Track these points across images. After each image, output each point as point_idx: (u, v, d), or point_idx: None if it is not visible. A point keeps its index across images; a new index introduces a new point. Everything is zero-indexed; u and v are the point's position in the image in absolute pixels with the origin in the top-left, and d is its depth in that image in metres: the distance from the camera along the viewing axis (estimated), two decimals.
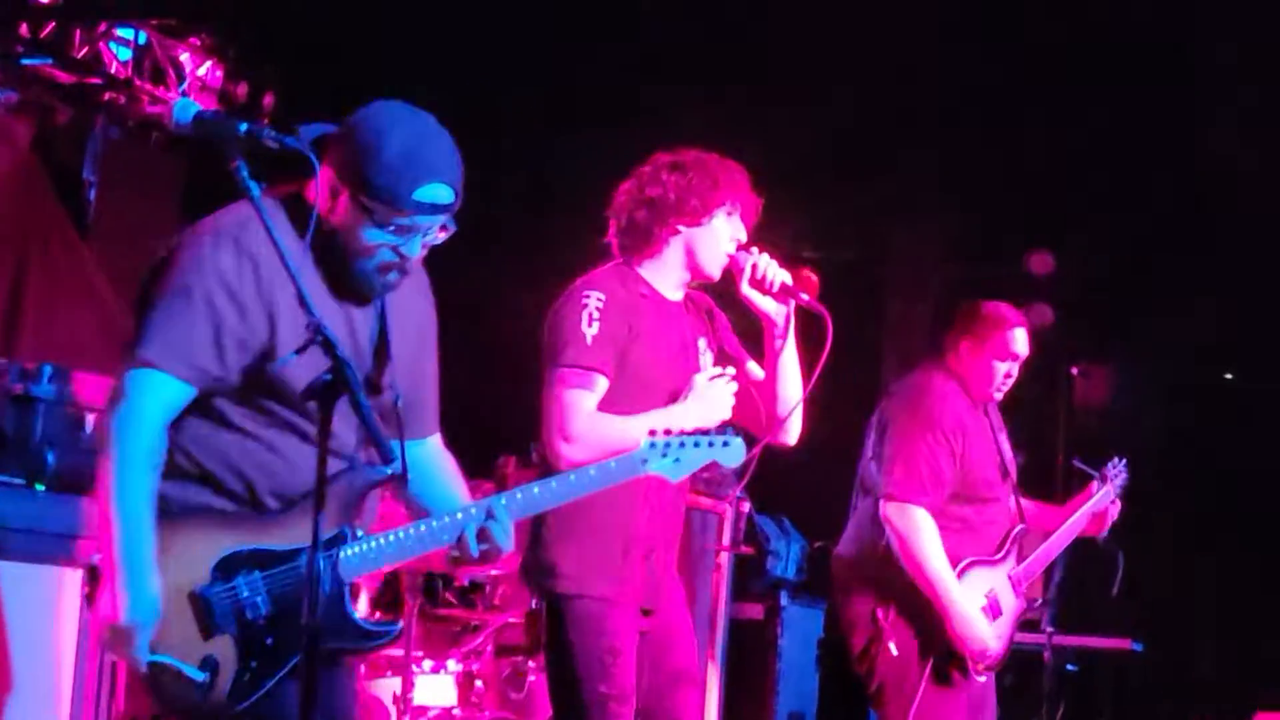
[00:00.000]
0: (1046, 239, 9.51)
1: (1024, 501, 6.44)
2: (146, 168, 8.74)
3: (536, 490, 4.05)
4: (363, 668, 6.64)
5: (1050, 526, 6.55)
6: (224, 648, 3.64)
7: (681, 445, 4.21)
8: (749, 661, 8.38)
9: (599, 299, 4.78)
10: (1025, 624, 6.83)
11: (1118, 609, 8.12)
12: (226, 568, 3.67)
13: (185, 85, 8.83)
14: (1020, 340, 6.27)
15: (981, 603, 6.13)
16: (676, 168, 4.90)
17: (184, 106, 3.64)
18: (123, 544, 3.57)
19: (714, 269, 4.91)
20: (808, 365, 4.93)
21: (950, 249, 10.07)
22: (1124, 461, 6.77)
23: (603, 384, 4.75)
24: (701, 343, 5.01)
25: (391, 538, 3.82)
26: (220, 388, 3.72)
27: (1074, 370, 9.30)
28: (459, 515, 3.90)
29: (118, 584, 3.55)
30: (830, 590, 6.50)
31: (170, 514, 3.66)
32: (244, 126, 3.57)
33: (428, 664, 6.99)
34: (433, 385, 4.13)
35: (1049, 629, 7.64)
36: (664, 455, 4.20)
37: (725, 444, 4.27)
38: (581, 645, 4.78)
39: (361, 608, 3.79)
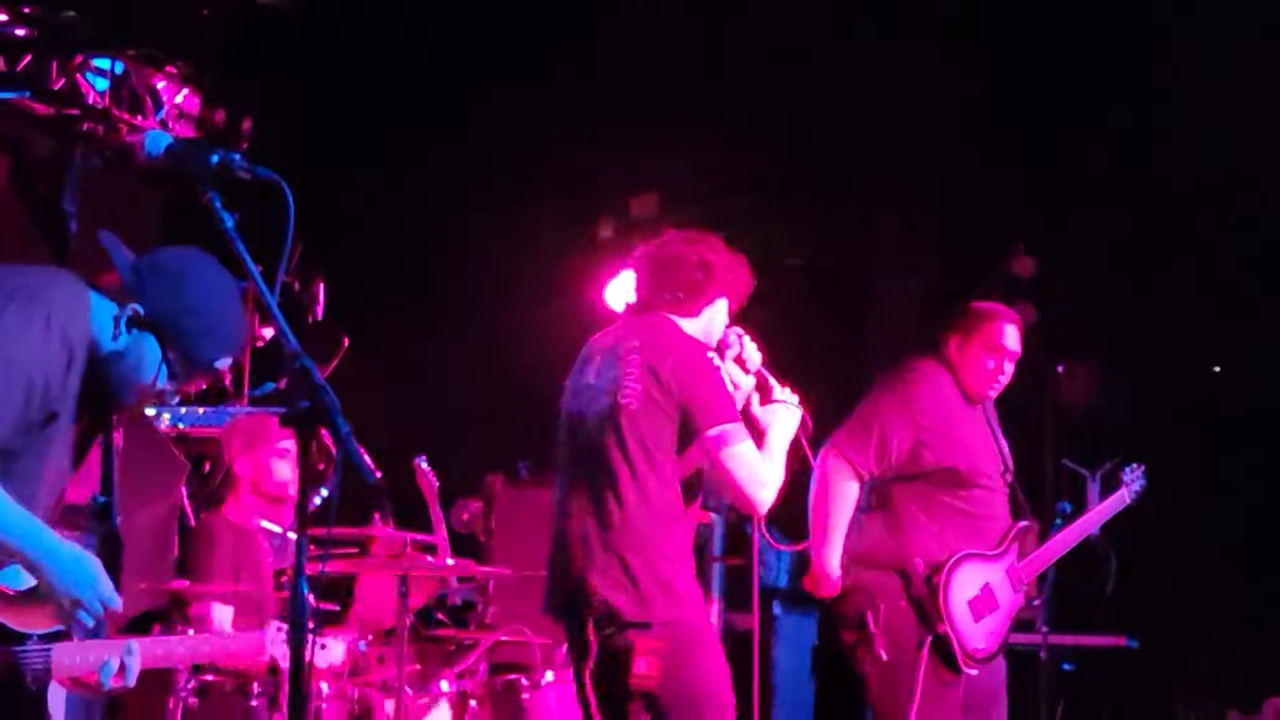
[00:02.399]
0: (1029, 240, 9.52)
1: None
2: (126, 197, 8.72)
3: None
4: (355, 690, 6.64)
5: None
6: None
7: None
8: (742, 672, 8.38)
9: (715, 357, 5.17)
10: (1020, 624, 6.82)
11: (1112, 607, 8.12)
12: None
13: (163, 113, 8.82)
14: (1010, 335, 6.30)
15: (973, 594, 6.12)
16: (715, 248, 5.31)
17: (155, 139, 3.64)
18: (27, 545, 3.63)
19: (715, 339, 5.31)
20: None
21: (933, 252, 10.07)
22: (1141, 468, 6.80)
23: None
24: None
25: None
26: None
27: (1059, 369, 9.31)
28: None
29: (48, 571, 3.63)
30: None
31: None
32: (215, 157, 3.58)
33: (421, 685, 6.98)
34: None
35: (1044, 629, 7.63)
36: None
37: None
38: (711, 665, 4.98)
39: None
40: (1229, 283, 9.30)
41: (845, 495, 6.10)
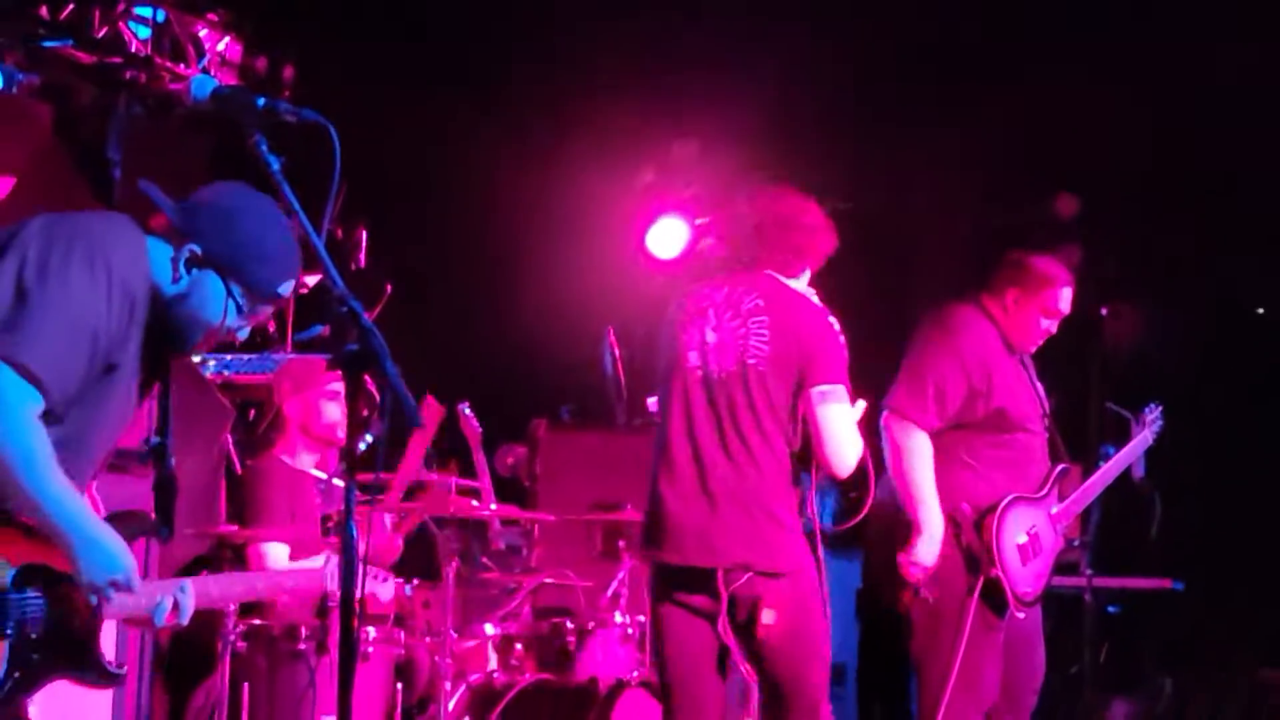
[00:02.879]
0: (1072, 181, 9.46)
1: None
2: (170, 145, 8.73)
3: None
4: (401, 634, 6.68)
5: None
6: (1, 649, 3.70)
7: None
8: None
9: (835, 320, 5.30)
10: (1065, 567, 6.80)
11: (1157, 549, 8.11)
12: (24, 578, 3.72)
13: (205, 61, 8.81)
14: (1066, 299, 6.31)
15: (1022, 540, 6.10)
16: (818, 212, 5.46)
17: (201, 83, 3.66)
18: (72, 529, 3.65)
19: None
20: None
21: (978, 195, 10.02)
22: (1160, 408, 6.79)
23: None
24: None
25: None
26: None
27: (1104, 311, 9.25)
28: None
29: (78, 553, 3.65)
30: (865, 538, 6.48)
31: None
32: (261, 101, 3.59)
33: (466, 628, 7.02)
34: None
35: (1089, 571, 7.63)
36: None
37: None
38: (824, 613, 5.17)
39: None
40: (1273, 224, 9.24)
41: (921, 454, 6.03)
